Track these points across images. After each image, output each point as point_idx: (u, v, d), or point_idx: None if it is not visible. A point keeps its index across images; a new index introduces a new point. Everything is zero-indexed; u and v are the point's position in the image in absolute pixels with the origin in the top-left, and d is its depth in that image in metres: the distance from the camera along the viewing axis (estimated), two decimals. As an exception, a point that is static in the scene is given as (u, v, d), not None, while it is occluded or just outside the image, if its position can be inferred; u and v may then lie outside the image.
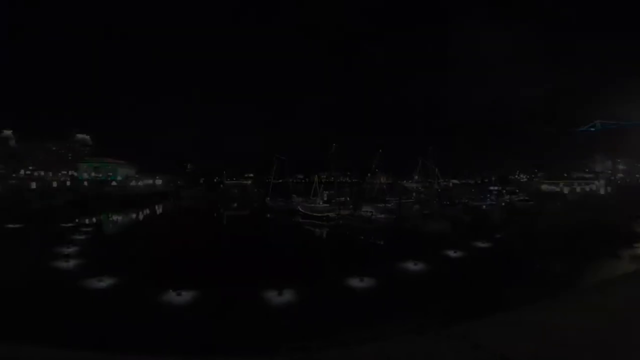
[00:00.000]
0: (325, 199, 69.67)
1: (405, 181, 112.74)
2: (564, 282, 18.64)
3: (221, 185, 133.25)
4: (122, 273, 23.88)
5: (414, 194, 78.31)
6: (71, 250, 31.56)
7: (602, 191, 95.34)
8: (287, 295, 20.52)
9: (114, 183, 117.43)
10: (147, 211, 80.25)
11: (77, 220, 52.99)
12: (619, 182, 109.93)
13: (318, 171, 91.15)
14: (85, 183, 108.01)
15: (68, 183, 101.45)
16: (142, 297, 20.07)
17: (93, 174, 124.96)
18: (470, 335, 1.29)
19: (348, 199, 71.71)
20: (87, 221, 55.72)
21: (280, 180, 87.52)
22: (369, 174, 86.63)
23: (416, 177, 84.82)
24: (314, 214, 60.68)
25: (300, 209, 66.17)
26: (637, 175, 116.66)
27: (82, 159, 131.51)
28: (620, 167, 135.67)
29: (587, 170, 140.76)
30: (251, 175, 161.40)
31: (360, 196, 73.80)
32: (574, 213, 35.27)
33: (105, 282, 22.81)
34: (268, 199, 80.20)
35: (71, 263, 27.75)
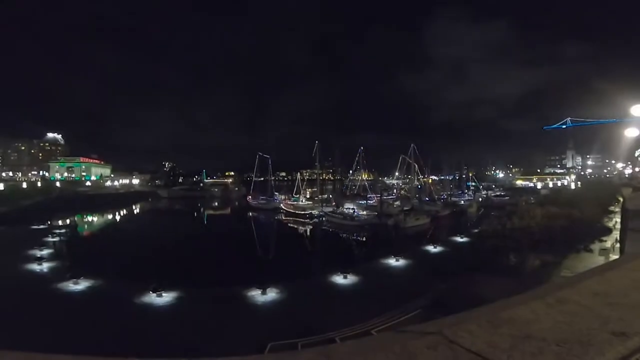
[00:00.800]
0: (308, 196, 69.69)
1: (386, 178, 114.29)
2: (538, 276, 19.42)
3: (201, 184, 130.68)
4: (98, 275, 23.17)
5: (394, 191, 79.49)
6: (44, 252, 30.33)
7: (572, 186, 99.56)
8: (271, 294, 20.50)
9: (88, 183, 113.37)
10: (123, 211, 77.91)
11: (49, 222, 50.93)
12: (588, 177, 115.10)
13: (300, 169, 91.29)
14: (58, 183, 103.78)
15: (39, 184, 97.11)
16: (121, 299, 19.60)
17: (66, 174, 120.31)
18: (446, 331, 1.37)
19: (330, 196, 71.98)
20: (60, 222, 53.70)
21: (262, 179, 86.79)
22: (351, 172, 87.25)
23: (397, 174, 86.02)
24: (297, 212, 60.63)
25: (282, 207, 65.96)
26: (604, 170, 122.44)
27: (53, 159, 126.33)
28: (589, 162, 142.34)
29: (559, 166, 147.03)
30: (232, 173, 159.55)
31: (342, 193, 74.22)
32: (546, 207, 36.65)
33: (81, 285, 22.10)
34: (249, 197, 79.44)
35: (44, 266, 26.68)
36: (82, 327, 15.49)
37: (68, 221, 56.46)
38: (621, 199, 33.74)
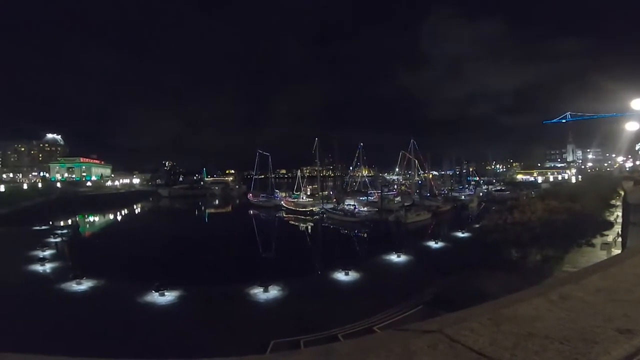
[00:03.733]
0: (309, 193, 69.65)
1: (387, 174, 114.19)
2: (540, 271, 19.40)
3: (201, 183, 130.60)
4: (101, 275, 23.23)
5: (395, 187, 79.44)
6: (46, 253, 30.39)
7: (573, 179, 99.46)
8: (273, 292, 20.54)
9: (88, 183, 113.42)
10: (124, 211, 78.06)
11: (50, 223, 51.00)
12: (589, 170, 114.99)
13: (301, 166, 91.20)
14: (58, 184, 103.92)
15: (39, 184, 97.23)
16: (123, 299, 19.66)
17: (66, 175, 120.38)
18: (447, 329, 1.35)
19: (331, 193, 71.90)
20: (61, 223, 53.79)
21: (263, 176, 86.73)
22: (351, 168, 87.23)
23: (397, 170, 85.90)
24: (298, 209, 60.64)
25: (283, 204, 65.98)
26: (605, 164, 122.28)
27: (53, 160, 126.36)
28: (590, 156, 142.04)
29: (559, 160, 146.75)
30: (232, 171, 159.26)
31: (343, 190, 74.17)
32: (547, 201, 36.57)
33: (84, 285, 22.17)
34: (250, 195, 79.45)
35: (47, 266, 26.75)
36: (85, 327, 15.54)
37: (70, 222, 56.56)
38: (622, 193, 33.68)
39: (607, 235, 24.49)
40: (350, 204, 55.31)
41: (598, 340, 1.50)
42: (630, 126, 31.62)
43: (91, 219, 67.01)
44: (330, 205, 57.38)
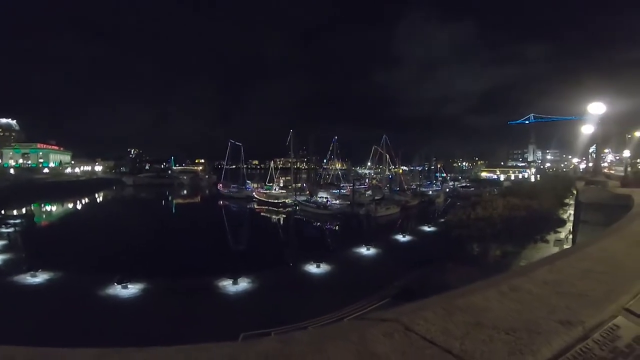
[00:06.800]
0: (282, 185, 69.24)
1: (359, 168, 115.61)
2: (499, 265, 20.47)
3: (169, 172, 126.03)
4: (58, 267, 22.03)
5: (367, 181, 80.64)
6: (-3, 244, 28.45)
7: (532, 179, 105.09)
8: (243, 284, 20.37)
9: (46, 170, 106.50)
10: (85, 200, 74.09)
11: (2, 212, 47.60)
12: (548, 170, 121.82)
13: (274, 157, 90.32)
14: (12, 170, 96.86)
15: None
16: (83, 291, 18.78)
17: (21, 161, 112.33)
18: (403, 318, 1.41)
19: (304, 185, 71.87)
20: (14, 212, 50.33)
21: (234, 167, 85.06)
22: (325, 161, 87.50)
23: (369, 164, 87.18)
24: (270, 200, 60.19)
25: (255, 195, 65.23)
26: (562, 165, 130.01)
27: (7, 145, 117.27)
28: (548, 157, 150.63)
29: (520, 159, 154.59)
30: (202, 161, 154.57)
31: (316, 182, 74.36)
32: (507, 199, 38.47)
33: (39, 277, 20.97)
34: (220, 185, 77.80)
35: (-2, 258, 25.05)
36: (41, 321, 14.71)
37: (24, 210, 53.06)
38: (575, 192, 36.03)
39: (561, 232, 26.22)
40: (323, 197, 55.60)
41: (541, 331, 1.61)
42: (586, 129, 33.76)
43: (48, 207, 63.13)
44: (303, 198, 57.39)
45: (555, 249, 21.62)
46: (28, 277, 20.90)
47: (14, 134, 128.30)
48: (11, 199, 58.09)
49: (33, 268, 21.56)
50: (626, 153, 42.82)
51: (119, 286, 19.35)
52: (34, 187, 75.05)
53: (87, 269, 22.03)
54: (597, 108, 16.44)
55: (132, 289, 19.42)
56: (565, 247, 21.59)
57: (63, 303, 17.27)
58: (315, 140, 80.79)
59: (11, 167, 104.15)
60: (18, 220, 41.35)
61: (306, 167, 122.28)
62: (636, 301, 2.04)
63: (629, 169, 28.50)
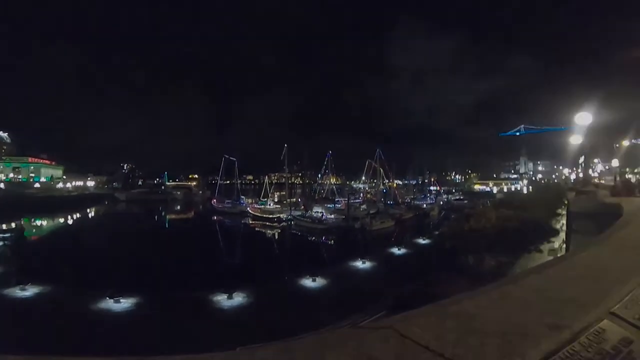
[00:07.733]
0: (276, 200, 69.07)
1: (353, 182, 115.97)
2: (493, 276, 20.49)
3: (162, 187, 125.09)
4: (48, 281, 21.55)
5: (361, 195, 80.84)
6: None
7: (524, 190, 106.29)
8: (238, 298, 20.11)
9: (37, 185, 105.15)
10: (76, 215, 73.07)
11: (-9, 227, 46.80)
12: (540, 181, 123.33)
13: (269, 172, 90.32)
14: (2, 185, 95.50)
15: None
16: (74, 305, 18.37)
17: (12, 175, 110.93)
18: (398, 326, 1.45)
19: (299, 200, 71.77)
20: (3, 226, 49.46)
21: (228, 182, 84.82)
22: (319, 175, 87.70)
23: (364, 178, 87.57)
24: (264, 216, 59.90)
25: (249, 211, 64.91)
26: (553, 176, 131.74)
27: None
28: (540, 168, 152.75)
29: (512, 171, 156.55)
30: (196, 176, 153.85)
31: (311, 197, 74.33)
32: (500, 210, 38.78)
33: (29, 291, 20.50)
34: (214, 200, 77.36)
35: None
36: (31, 335, 14.32)
37: (13, 225, 52.12)
38: (567, 202, 36.45)
39: (554, 241, 26.38)
40: (318, 211, 55.51)
41: (530, 335, 1.68)
42: (574, 140, 34.42)
43: (38, 222, 62.13)
44: (298, 212, 57.24)
45: (549, 258, 21.75)
46: (17, 291, 20.42)
47: (5, 147, 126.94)
48: (1, 213, 57.12)
49: (22, 282, 21.07)
50: (615, 163, 43.60)
51: (111, 300, 18.97)
52: (24, 201, 73.91)
53: (79, 283, 21.59)
54: (583, 118, 16.75)
55: (125, 303, 19.05)
56: (559, 256, 21.72)
57: (53, 316, 16.87)
58: (309, 154, 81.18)
59: (1, 181, 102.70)
60: (7, 235, 40.60)
61: (301, 181, 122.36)
62: (622, 305, 2.13)
63: (617, 178, 29.00)
